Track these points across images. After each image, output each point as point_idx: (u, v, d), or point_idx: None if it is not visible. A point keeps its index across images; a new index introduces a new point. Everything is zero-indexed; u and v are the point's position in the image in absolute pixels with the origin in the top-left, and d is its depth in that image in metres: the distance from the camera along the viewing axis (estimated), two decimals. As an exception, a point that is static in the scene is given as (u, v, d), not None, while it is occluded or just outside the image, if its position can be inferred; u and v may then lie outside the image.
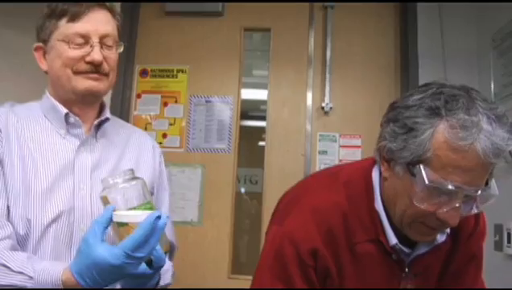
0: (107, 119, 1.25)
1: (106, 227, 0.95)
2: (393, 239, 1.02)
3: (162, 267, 1.02)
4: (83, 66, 1.15)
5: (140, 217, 0.92)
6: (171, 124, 2.90)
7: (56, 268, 0.98)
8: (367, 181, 1.06)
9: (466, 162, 0.87)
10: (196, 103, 2.91)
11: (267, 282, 1.04)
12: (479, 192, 0.91)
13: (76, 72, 1.15)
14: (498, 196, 0.95)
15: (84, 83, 1.15)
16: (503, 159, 0.89)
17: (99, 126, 1.23)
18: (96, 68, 1.15)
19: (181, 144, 2.88)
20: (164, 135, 2.89)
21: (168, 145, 2.87)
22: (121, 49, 1.22)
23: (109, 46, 1.18)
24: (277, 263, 1.03)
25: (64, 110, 1.18)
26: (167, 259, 1.06)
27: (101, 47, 1.16)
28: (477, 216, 1.12)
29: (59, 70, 1.16)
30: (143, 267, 0.97)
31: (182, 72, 2.94)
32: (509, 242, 2.60)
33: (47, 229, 1.09)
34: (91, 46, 1.14)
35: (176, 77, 2.94)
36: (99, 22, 1.16)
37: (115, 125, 1.31)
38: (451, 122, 0.87)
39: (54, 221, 1.10)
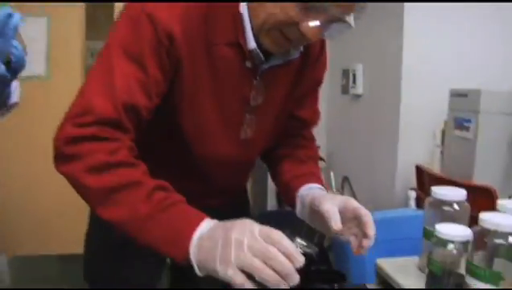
0: None
1: None
2: (252, 43, 1.04)
3: (21, 69, 0.94)
4: None
5: None
6: (7, -32, 2.64)
7: None
8: None
9: None
10: None
11: (119, 61, 0.96)
12: (344, 16, 0.97)
13: None
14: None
15: None
16: None
17: None
18: None
19: (22, -9, 2.64)
20: (1, -18, 2.63)
21: (6, -8, 2.63)
22: None
23: None
24: (132, 42, 0.96)
25: None
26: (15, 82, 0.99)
27: None
28: (323, 45, 1.23)
29: None
30: (1, 68, 0.90)
31: None
32: (354, 83, 2.78)
33: None
34: None
35: None
36: None
37: None
38: None
39: None
